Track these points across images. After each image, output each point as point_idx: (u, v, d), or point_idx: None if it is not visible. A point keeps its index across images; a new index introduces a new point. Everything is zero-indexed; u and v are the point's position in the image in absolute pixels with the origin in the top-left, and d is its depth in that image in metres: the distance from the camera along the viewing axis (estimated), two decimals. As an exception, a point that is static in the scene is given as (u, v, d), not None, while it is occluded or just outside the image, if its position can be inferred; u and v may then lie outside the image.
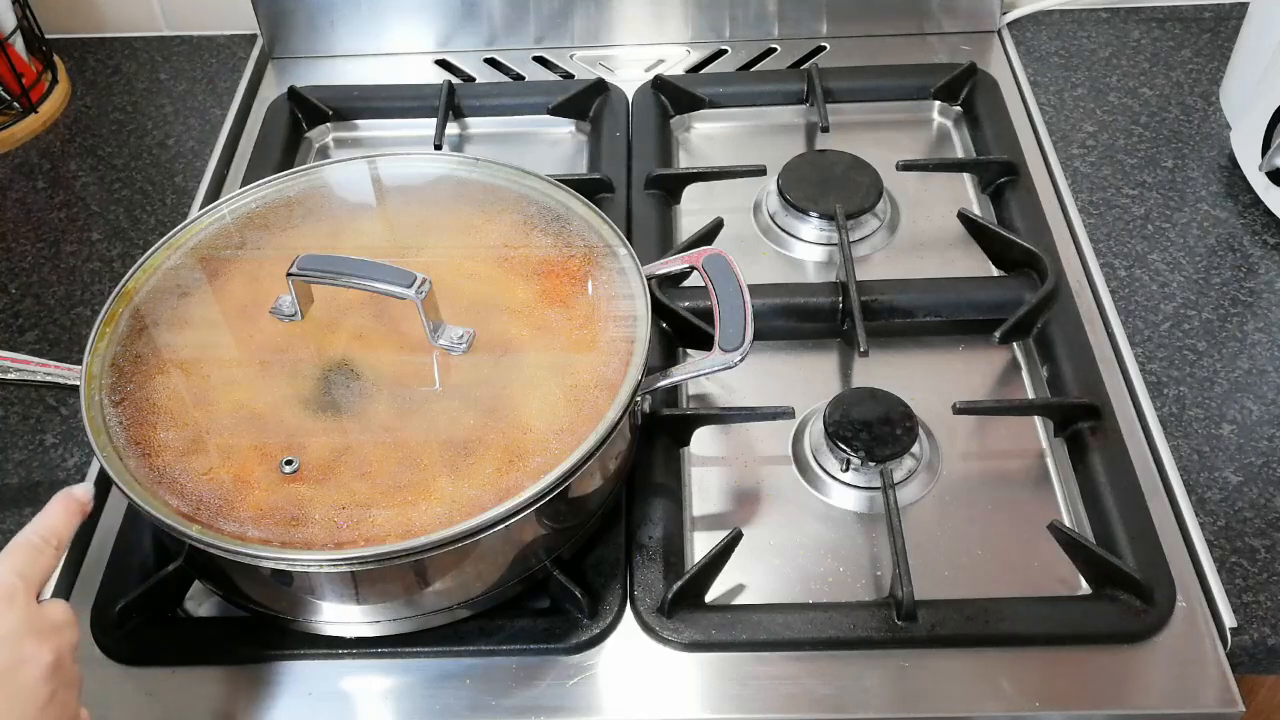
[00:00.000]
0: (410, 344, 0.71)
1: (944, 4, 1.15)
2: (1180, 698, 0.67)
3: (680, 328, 0.86)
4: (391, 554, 0.61)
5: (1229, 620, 0.70)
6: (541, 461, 0.65)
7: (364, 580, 0.65)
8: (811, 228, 0.96)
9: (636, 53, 1.16)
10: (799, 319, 0.88)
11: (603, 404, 0.67)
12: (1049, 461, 0.81)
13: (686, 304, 0.86)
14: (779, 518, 0.78)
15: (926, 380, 0.85)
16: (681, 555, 0.75)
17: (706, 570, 0.72)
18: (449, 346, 0.71)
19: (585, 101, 1.08)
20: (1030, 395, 0.85)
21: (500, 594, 0.70)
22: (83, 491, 0.63)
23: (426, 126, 1.06)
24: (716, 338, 0.71)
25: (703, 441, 0.82)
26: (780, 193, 0.97)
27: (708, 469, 0.81)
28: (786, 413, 0.79)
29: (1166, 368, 0.84)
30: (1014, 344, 0.88)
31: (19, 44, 1.09)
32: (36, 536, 0.58)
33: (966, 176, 1.02)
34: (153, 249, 0.77)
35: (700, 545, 0.76)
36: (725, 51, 1.16)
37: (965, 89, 1.07)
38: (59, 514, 0.61)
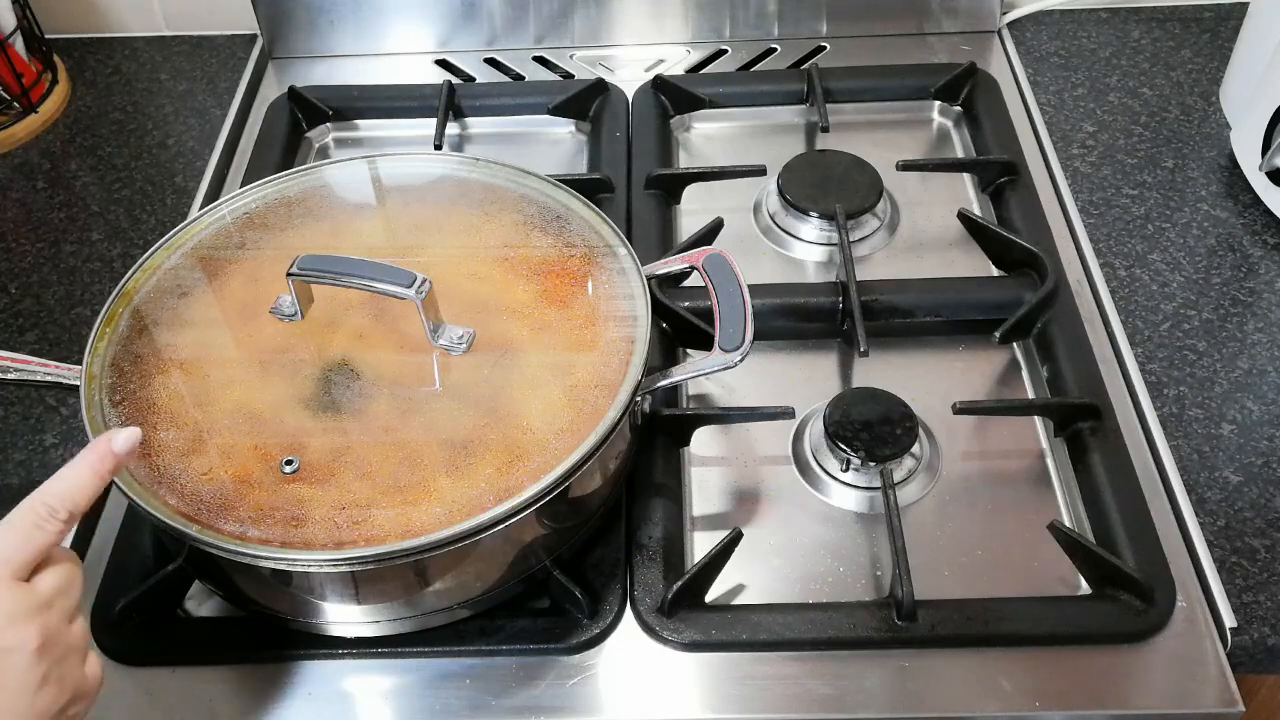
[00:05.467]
0: (410, 344, 0.71)
1: (944, 4, 1.15)
2: (1180, 698, 0.67)
3: (680, 328, 0.86)
4: (391, 554, 0.61)
5: (1229, 620, 0.70)
6: (541, 461, 0.65)
7: (364, 580, 0.65)
8: (811, 228, 0.96)
9: (636, 53, 1.16)
10: (799, 319, 0.88)
11: (603, 404, 0.67)
12: (1049, 461, 0.81)
13: (686, 304, 0.86)
14: (779, 518, 0.78)
15: (926, 380, 0.85)
16: (681, 555, 0.75)
17: (706, 570, 0.72)
18: (449, 346, 0.71)
19: (585, 101, 1.08)
20: (1030, 395, 0.85)
21: (500, 594, 0.70)
22: (125, 439, 0.58)
23: (426, 126, 1.06)
24: (716, 338, 0.71)
25: (703, 441, 0.82)
26: (780, 193, 0.97)
27: (708, 469, 0.81)
28: (786, 413, 0.79)
29: (1166, 368, 0.84)
30: (1014, 344, 0.88)
31: (19, 44, 1.09)
32: (43, 506, 0.54)
33: (966, 176, 1.01)
34: (153, 249, 0.77)
35: (700, 545, 0.76)
36: (725, 51, 1.16)
37: (965, 89, 1.07)
38: (82, 475, 0.56)
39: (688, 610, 0.71)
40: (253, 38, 1.19)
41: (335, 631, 0.70)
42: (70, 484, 0.56)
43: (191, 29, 1.20)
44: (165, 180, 1.05)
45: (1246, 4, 1.06)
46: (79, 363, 0.71)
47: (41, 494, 0.55)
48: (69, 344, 0.90)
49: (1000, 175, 0.98)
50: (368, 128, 1.10)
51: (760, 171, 0.98)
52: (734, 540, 0.73)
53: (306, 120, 1.09)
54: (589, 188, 0.94)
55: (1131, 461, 0.77)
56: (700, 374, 0.72)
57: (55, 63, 1.15)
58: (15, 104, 1.09)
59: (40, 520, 0.54)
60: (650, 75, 1.11)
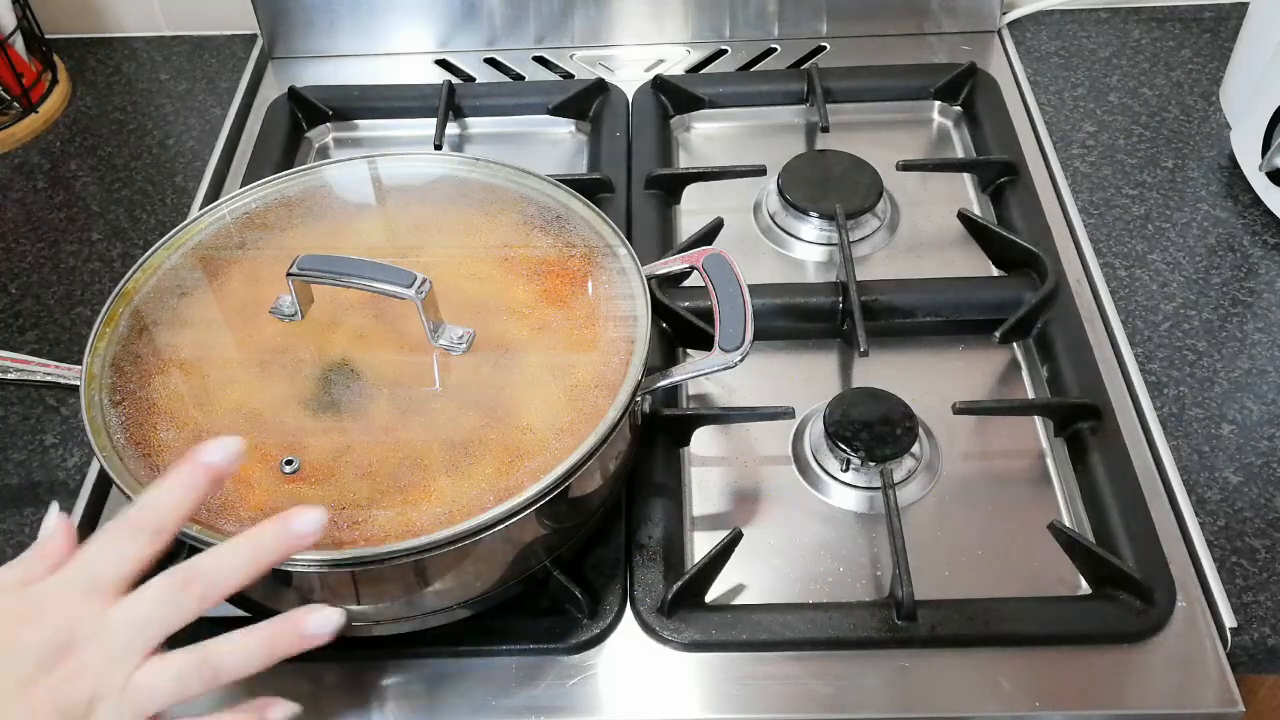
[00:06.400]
0: (410, 344, 0.71)
1: (944, 4, 1.15)
2: (1180, 698, 0.67)
3: (680, 328, 0.86)
4: (392, 554, 0.61)
5: (1229, 620, 0.70)
6: (541, 461, 0.65)
7: (364, 580, 0.65)
8: (811, 228, 0.96)
9: (636, 53, 1.16)
10: (799, 319, 0.88)
11: (603, 404, 0.67)
12: (1049, 461, 0.81)
13: (686, 304, 0.86)
14: (779, 518, 0.78)
15: (926, 380, 0.85)
16: (681, 555, 0.75)
17: (706, 570, 0.72)
18: (449, 346, 0.71)
19: (585, 101, 1.08)
20: (1030, 395, 0.85)
21: (500, 594, 0.70)
22: (221, 454, 0.56)
23: (426, 126, 1.06)
24: (716, 338, 0.70)
25: (703, 441, 0.82)
26: (780, 193, 0.97)
27: (708, 469, 0.81)
28: (786, 413, 0.79)
29: (1166, 368, 0.84)
30: (1014, 344, 0.88)
31: (19, 44, 1.09)
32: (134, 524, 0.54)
33: (966, 176, 1.01)
34: (153, 249, 0.77)
35: (700, 545, 0.76)
36: (725, 51, 1.16)
37: (965, 89, 1.07)
38: (177, 497, 0.55)
39: (688, 610, 0.71)
40: (253, 38, 1.19)
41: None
42: (154, 508, 0.56)
43: (191, 29, 1.20)
44: (165, 180, 1.05)
45: (1246, 4, 1.06)
46: (79, 363, 0.71)
47: (125, 518, 0.55)
48: (69, 344, 0.90)
49: (1000, 175, 0.98)
50: (368, 128, 1.10)
51: (760, 171, 0.98)
52: (734, 540, 0.73)
53: (306, 120, 1.09)
54: (589, 188, 0.94)
55: (1131, 461, 0.77)
56: (700, 374, 0.72)
57: (55, 63, 1.15)
58: (15, 104, 1.09)
59: (123, 539, 0.55)
60: (650, 75, 1.11)
